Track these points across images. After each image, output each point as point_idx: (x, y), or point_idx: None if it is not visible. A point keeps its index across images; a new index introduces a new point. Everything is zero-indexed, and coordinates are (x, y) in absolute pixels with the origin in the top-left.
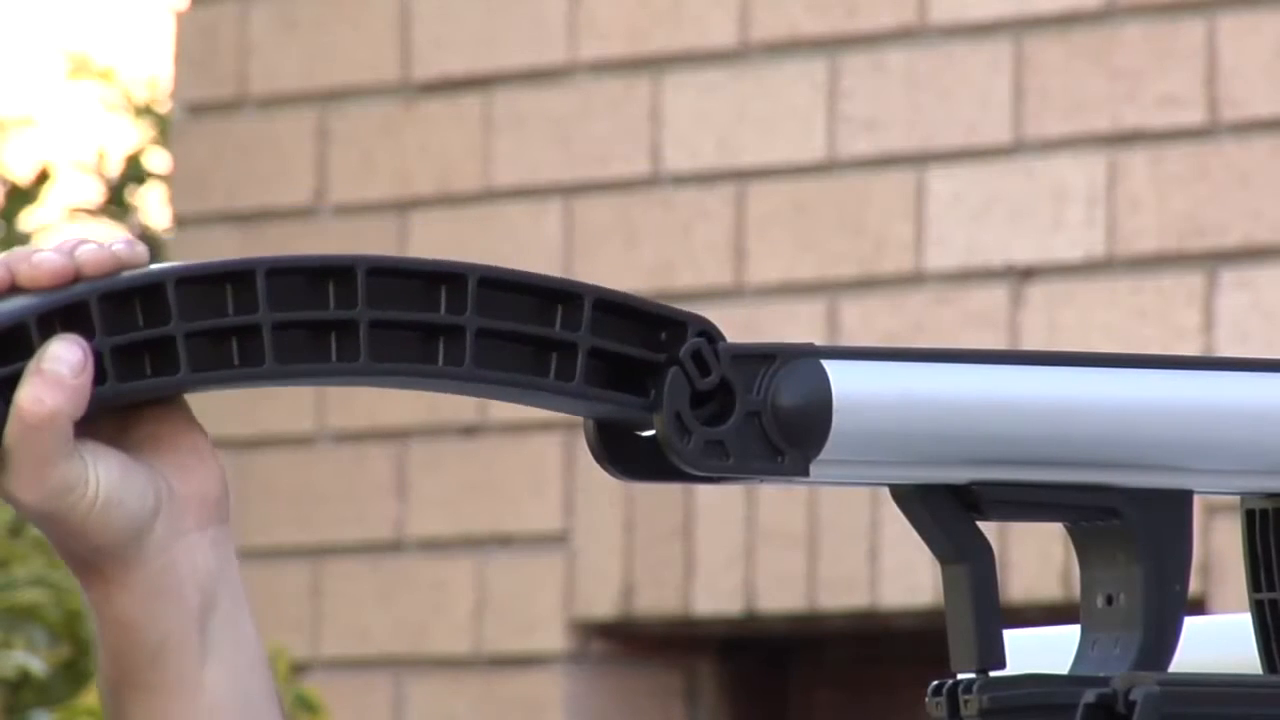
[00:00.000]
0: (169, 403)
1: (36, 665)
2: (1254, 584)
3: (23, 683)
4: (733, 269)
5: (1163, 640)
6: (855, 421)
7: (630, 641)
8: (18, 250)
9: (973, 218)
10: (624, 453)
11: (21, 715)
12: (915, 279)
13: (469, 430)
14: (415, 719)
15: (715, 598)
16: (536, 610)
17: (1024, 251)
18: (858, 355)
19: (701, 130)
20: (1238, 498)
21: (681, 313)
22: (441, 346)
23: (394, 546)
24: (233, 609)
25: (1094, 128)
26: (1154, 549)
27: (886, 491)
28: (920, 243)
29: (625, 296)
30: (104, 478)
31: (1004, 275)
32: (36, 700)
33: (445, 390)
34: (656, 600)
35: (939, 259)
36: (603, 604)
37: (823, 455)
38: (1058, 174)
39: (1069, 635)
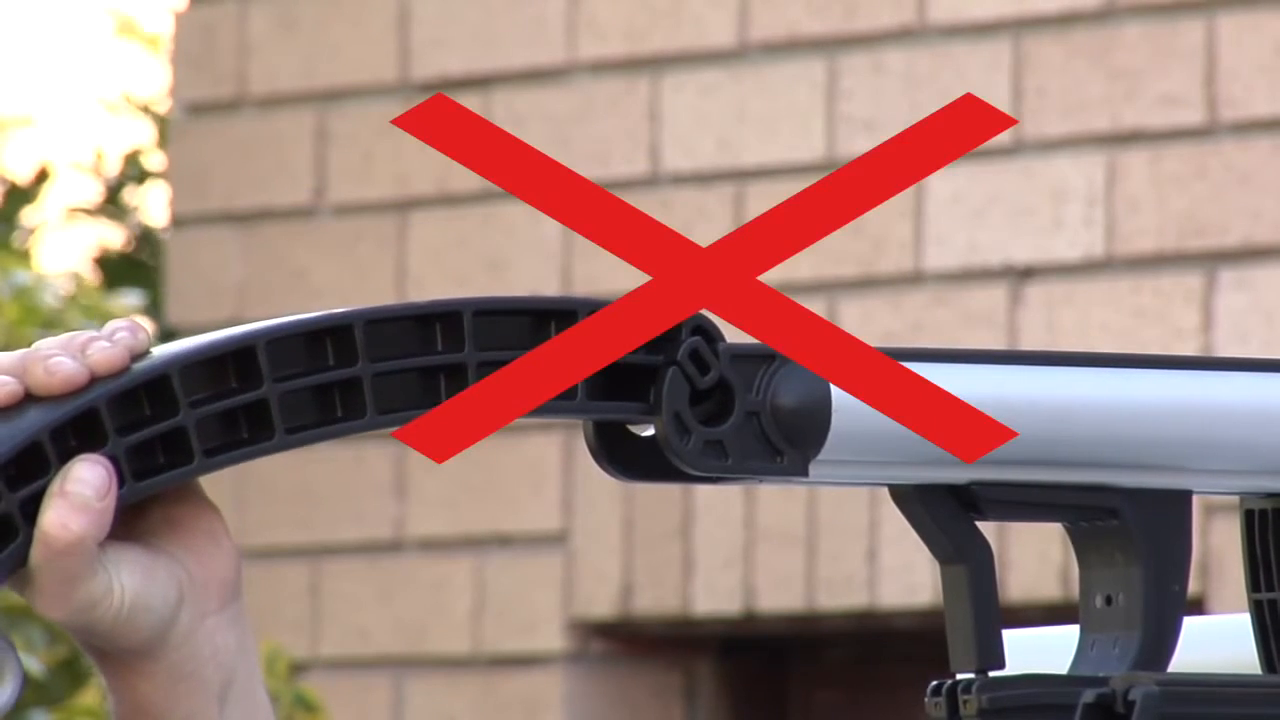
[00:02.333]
0: (183, 490)
1: (34, 665)
2: (1253, 584)
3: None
4: None
5: (1161, 640)
6: (854, 421)
7: (629, 641)
8: (31, 355)
9: (972, 217)
10: (623, 453)
11: (20, 715)
12: (914, 279)
13: None
14: (414, 719)
15: (714, 597)
16: (536, 610)
17: (1023, 251)
18: None
19: (700, 130)
20: (1237, 498)
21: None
22: (443, 384)
23: (393, 546)
24: (249, 682)
25: (1093, 127)
26: (1153, 549)
27: (885, 491)
28: (919, 242)
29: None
30: (129, 585)
31: (1003, 275)
32: (35, 700)
33: None
34: (656, 600)
35: (938, 259)
36: (602, 604)
37: (822, 455)
38: (1057, 174)
39: (1068, 635)
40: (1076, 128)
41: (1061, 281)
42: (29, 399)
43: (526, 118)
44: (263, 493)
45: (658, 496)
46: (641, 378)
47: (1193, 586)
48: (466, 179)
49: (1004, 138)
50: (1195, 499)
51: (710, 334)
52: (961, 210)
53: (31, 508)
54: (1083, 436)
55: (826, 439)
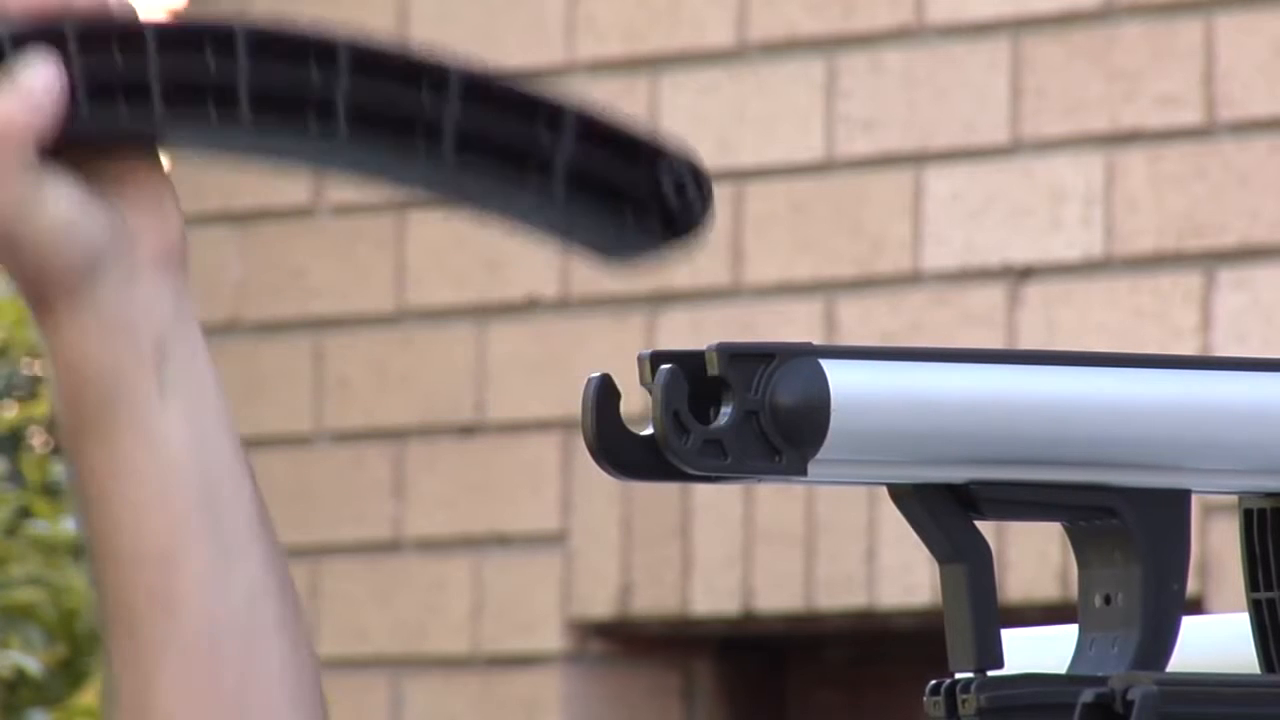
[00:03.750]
0: (137, 151)
1: (33, 665)
2: (1252, 584)
3: (19, 682)
4: (730, 268)
5: (1160, 640)
6: (853, 421)
7: (628, 641)
8: None
9: (970, 217)
10: (622, 451)
11: (18, 715)
12: (913, 279)
13: (467, 430)
14: (413, 719)
15: (713, 597)
16: (534, 610)
17: (1022, 251)
18: (856, 355)
19: (699, 130)
20: (1236, 497)
21: (664, 140)
22: (420, 136)
23: (392, 546)
24: (190, 355)
25: (1092, 127)
26: (1152, 548)
27: (884, 491)
28: (918, 242)
29: (610, 117)
30: (64, 201)
31: (1002, 275)
32: (33, 700)
33: (418, 186)
34: (654, 600)
35: (937, 259)
36: (600, 603)
37: (821, 455)
38: (1056, 174)
39: (1067, 635)
40: (1075, 128)
41: (1060, 281)
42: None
43: None
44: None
45: (656, 496)
46: (620, 200)
47: (1192, 586)
48: None
49: (1002, 137)
50: (1194, 499)
51: (694, 166)
52: (960, 210)
53: None
54: (1081, 436)
55: (825, 438)
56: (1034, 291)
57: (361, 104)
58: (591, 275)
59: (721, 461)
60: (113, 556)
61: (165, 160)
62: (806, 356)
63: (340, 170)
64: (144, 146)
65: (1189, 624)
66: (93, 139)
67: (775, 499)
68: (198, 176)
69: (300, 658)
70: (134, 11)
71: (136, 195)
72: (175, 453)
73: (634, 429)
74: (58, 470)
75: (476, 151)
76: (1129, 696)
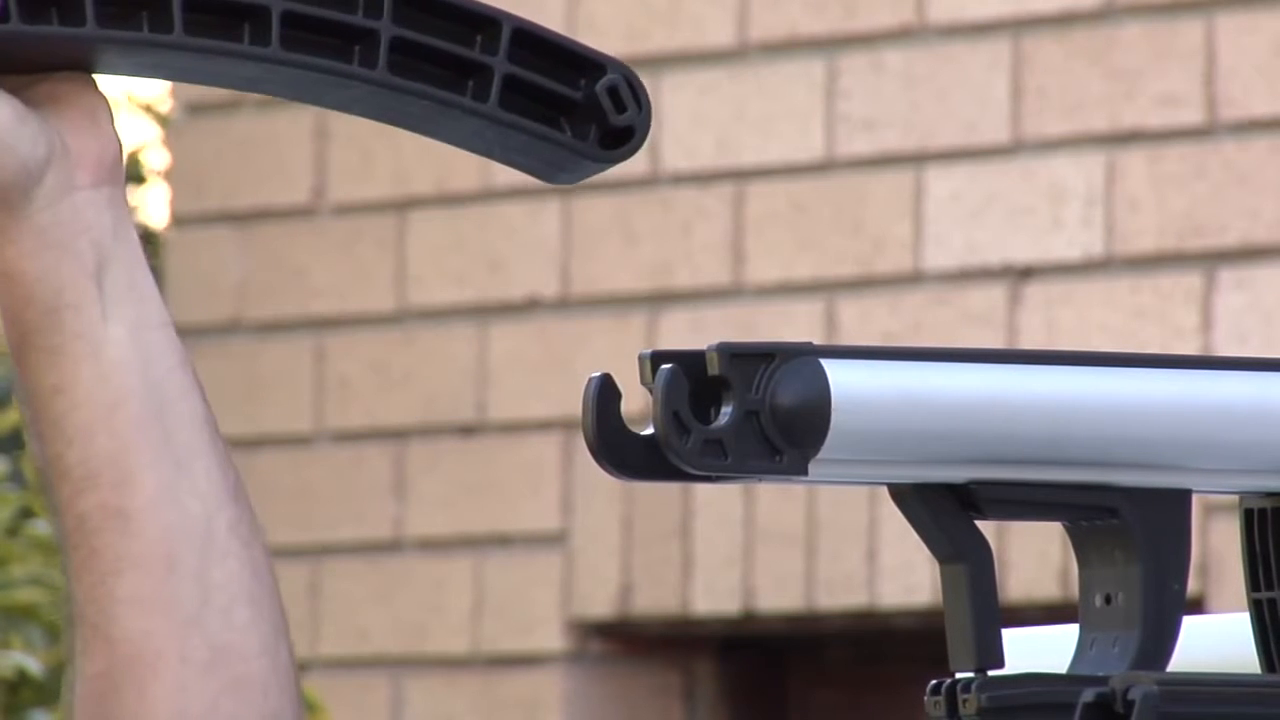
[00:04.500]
0: (75, 70)
1: (34, 665)
2: (1252, 583)
3: (21, 683)
4: (731, 269)
5: (1161, 640)
6: (854, 421)
7: (629, 641)
8: None
9: (971, 217)
10: (623, 451)
11: (20, 715)
12: (913, 279)
13: (467, 430)
14: (414, 719)
15: (714, 597)
16: (535, 610)
17: (1022, 251)
18: (857, 355)
19: (700, 130)
20: (1236, 497)
21: (601, 54)
22: (357, 51)
23: (392, 546)
24: (131, 268)
25: (1092, 127)
26: (1152, 548)
27: (885, 491)
28: (918, 242)
29: (546, 31)
30: None
31: (1002, 275)
32: (35, 700)
33: (355, 104)
34: (655, 600)
35: (937, 259)
36: (601, 603)
37: (821, 454)
38: (1056, 174)
39: (1067, 635)
40: (1075, 127)
41: (1061, 281)
42: None
43: None
44: (262, 493)
45: (657, 496)
46: (559, 113)
47: (1192, 586)
48: (466, 179)
49: (1002, 137)
50: (1195, 498)
51: (630, 78)
52: (961, 210)
53: None
54: (1082, 436)
55: (826, 438)
56: (1034, 291)
57: (295, 15)
58: (592, 275)
59: (722, 461)
60: (65, 475)
61: (99, 79)
62: (807, 356)
63: (273, 90)
64: (78, 63)
65: (1189, 624)
66: (25, 51)
67: (776, 499)
68: (198, 175)
69: (256, 560)
70: None
71: (72, 114)
72: (120, 364)
73: (635, 429)
74: None
75: (411, 63)
76: (1129, 696)
